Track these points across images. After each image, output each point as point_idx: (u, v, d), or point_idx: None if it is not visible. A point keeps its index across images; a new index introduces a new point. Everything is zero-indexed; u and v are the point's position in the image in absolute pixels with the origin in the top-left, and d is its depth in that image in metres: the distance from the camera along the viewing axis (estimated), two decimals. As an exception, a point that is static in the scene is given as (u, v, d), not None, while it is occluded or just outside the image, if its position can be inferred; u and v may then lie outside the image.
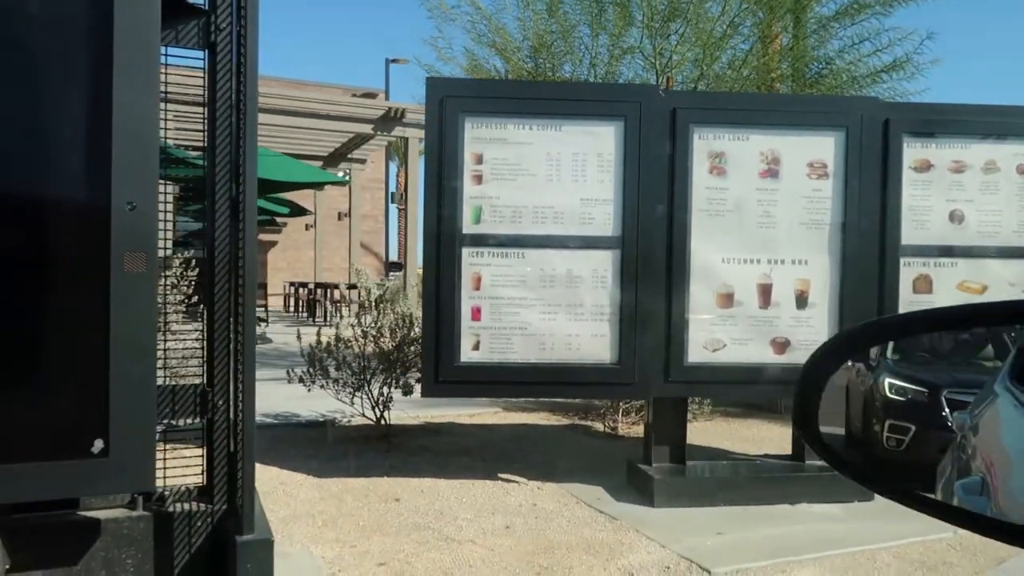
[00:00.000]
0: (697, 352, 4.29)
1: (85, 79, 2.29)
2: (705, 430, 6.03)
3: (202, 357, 3.07)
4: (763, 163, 4.34)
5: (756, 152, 4.34)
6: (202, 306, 3.20)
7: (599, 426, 6.21)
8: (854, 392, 0.84)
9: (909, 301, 4.36)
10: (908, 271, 4.39)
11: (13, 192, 2.26)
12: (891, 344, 0.82)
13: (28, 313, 2.30)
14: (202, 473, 3.06)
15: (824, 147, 4.34)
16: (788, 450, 4.80)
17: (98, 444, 2.34)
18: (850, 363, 0.85)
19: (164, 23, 2.57)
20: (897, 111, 4.60)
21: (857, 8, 7.15)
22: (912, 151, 4.37)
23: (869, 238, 4.34)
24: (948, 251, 4.43)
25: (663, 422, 4.46)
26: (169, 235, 3.73)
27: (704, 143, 4.31)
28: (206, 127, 3.01)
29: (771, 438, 5.84)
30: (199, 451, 3.09)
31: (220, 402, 2.98)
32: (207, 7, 2.85)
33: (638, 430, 5.82)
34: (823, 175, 4.34)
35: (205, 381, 3.01)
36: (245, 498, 2.83)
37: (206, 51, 2.95)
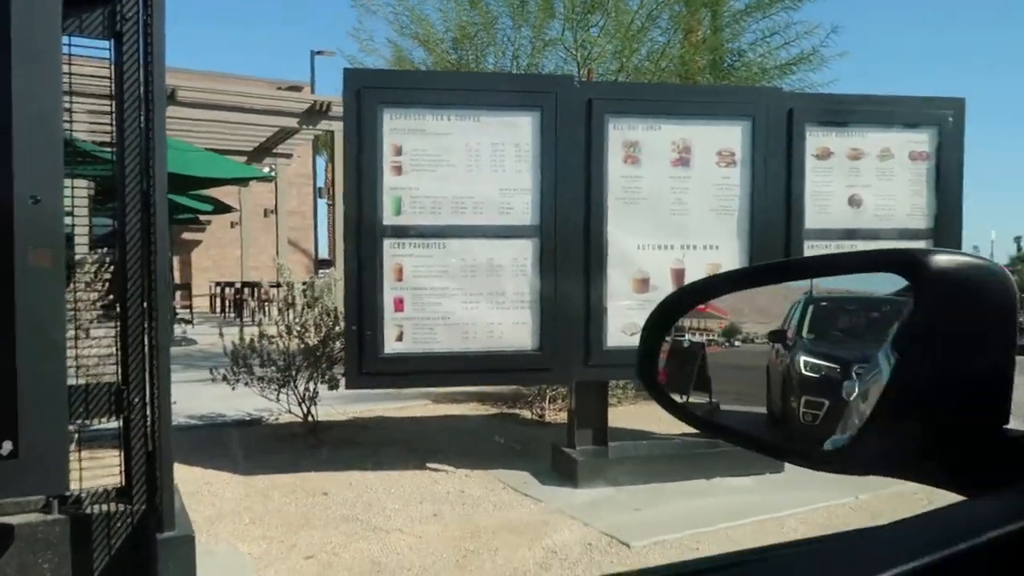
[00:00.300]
0: (616, 336, 4.43)
1: (-21, 71, 2.24)
2: (628, 413, 6.19)
3: (117, 356, 3.03)
4: (675, 152, 4.50)
5: (668, 141, 4.50)
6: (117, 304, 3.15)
7: (527, 414, 6.32)
8: (774, 372, 0.90)
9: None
10: (812, 253, 4.62)
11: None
12: (807, 324, 0.89)
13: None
14: (120, 473, 3.02)
15: (732, 136, 4.53)
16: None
17: (6, 446, 2.30)
18: (770, 344, 0.91)
19: (67, 11, 2.53)
20: (800, 101, 4.83)
21: (768, 2, 7.43)
22: (814, 139, 4.60)
23: (775, 222, 4.55)
24: (849, 234, 4.68)
25: (585, 406, 4.59)
26: (82, 232, 3.64)
27: (619, 133, 4.44)
28: (114, 120, 2.96)
29: (692, 418, 6.04)
30: (117, 452, 3.05)
31: (136, 400, 2.95)
32: (111, -3, 2.80)
33: (565, 416, 5.93)
34: (731, 163, 4.53)
35: (120, 379, 2.97)
36: (164, 496, 2.82)
37: (112, 41, 2.90)
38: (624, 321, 4.40)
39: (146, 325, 2.96)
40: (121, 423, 2.95)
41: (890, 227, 4.69)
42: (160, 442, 2.84)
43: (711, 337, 0.96)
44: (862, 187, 4.66)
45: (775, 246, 4.54)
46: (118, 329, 3.01)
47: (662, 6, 7.41)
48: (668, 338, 0.94)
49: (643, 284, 4.43)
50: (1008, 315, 0.66)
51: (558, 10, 7.54)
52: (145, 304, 2.96)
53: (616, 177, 4.42)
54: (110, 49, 2.92)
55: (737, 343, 0.94)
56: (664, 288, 4.45)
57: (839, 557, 0.57)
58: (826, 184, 4.62)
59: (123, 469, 2.97)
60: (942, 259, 0.66)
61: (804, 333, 0.86)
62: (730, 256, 4.50)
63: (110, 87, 2.95)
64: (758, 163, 4.50)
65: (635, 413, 6.29)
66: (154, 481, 2.88)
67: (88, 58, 2.93)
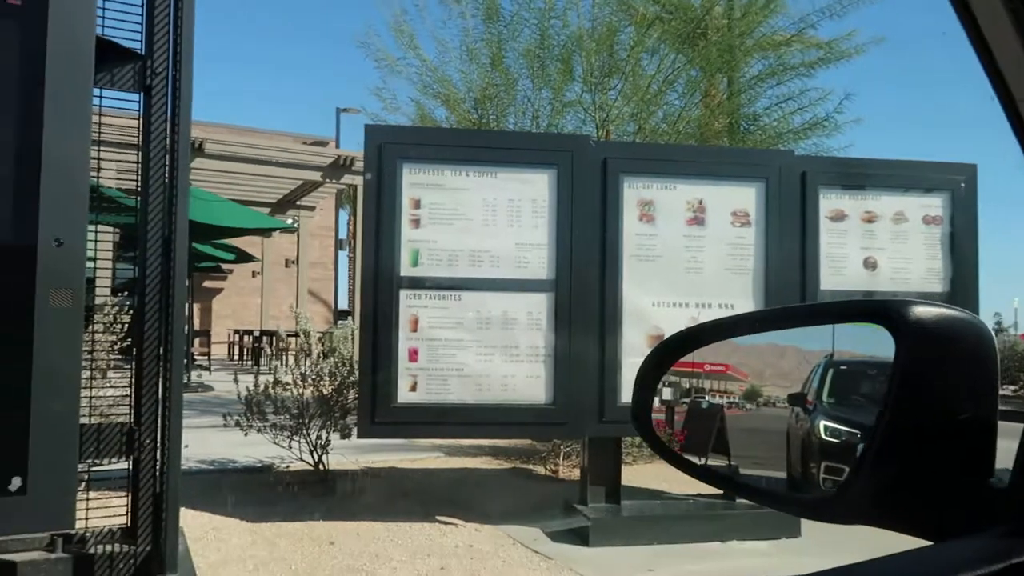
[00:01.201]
0: (630, 393, 4.39)
1: (14, 116, 2.34)
2: (644, 472, 6.11)
3: (131, 397, 3.07)
4: (690, 211, 4.55)
5: (683, 201, 4.55)
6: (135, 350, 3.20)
7: (540, 469, 6.25)
8: (793, 436, 0.89)
9: (829, 342, 4.57)
10: (827, 314, 4.60)
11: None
12: (827, 388, 0.89)
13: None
14: (126, 514, 3.03)
15: (746, 197, 4.57)
16: (721, 490, 4.91)
17: (15, 482, 2.32)
18: (790, 409, 0.90)
19: (100, 65, 2.64)
20: (813, 164, 4.88)
21: (782, 69, 7.57)
22: (827, 202, 4.63)
23: (790, 282, 4.55)
24: (866, 296, 4.66)
25: (598, 463, 4.55)
26: (105, 277, 3.72)
27: (634, 191, 4.51)
28: (139, 170, 3.06)
29: (706, 479, 5.94)
30: (123, 493, 3.06)
31: (147, 441, 2.97)
32: (144, 51, 2.92)
33: (579, 473, 5.87)
34: (746, 223, 4.56)
35: (132, 421, 3.00)
36: (169, 538, 2.82)
37: (141, 94, 3.02)
38: (637, 377, 4.37)
39: (160, 369, 3.01)
40: (131, 464, 2.97)
41: (906, 290, 4.67)
42: (168, 484, 2.85)
43: (730, 399, 0.96)
44: (876, 250, 4.66)
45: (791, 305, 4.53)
46: (133, 372, 3.06)
47: (678, 71, 7.57)
48: (660, 387, 0.95)
49: (658, 341, 4.41)
50: (988, 368, 0.66)
51: (577, 73, 7.72)
52: (161, 349, 3.01)
53: (631, 235, 4.47)
54: (139, 102, 3.04)
55: (757, 406, 0.94)
56: (677, 345, 4.44)
57: None
58: (840, 246, 4.63)
59: (129, 509, 2.98)
60: (920, 310, 0.67)
61: (824, 397, 0.85)
62: (744, 315, 4.49)
63: (138, 138, 3.06)
64: (772, 223, 4.54)
65: (649, 472, 6.19)
66: (160, 523, 2.89)
67: (119, 110, 3.05)
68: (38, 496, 2.34)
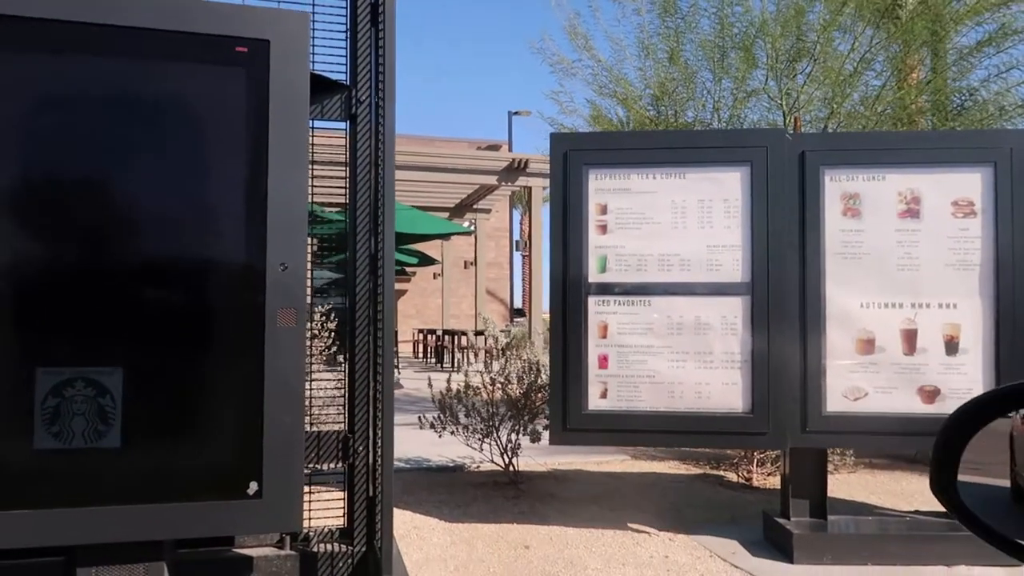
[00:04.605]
0: (836, 401, 4.10)
1: (245, 156, 2.53)
2: (847, 482, 5.70)
3: (343, 404, 3.26)
4: (902, 203, 4.16)
5: (894, 192, 4.17)
6: (341, 356, 3.40)
7: (732, 476, 6.00)
8: (1021, 443, 0.77)
9: (1077, 346, 4.00)
10: (1074, 314, 4.04)
11: (187, 257, 2.52)
12: None
13: (199, 365, 2.53)
14: (344, 516, 3.22)
15: (970, 184, 4.11)
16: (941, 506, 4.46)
17: (253, 486, 2.52)
18: (1014, 412, 0.79)
19: (312, 98, 2.81)
20: (1053, 142, 4.28)
21: (1003, 35, 6.75)
22: (1073, 184, 4.06)
23: (1027, 278, 4.04)
24: None
25: (801, 474, 4.28)
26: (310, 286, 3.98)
27: (836, 185, 4.19)
28: (347, 188, 3.23)
29: (920, 492, 5.44)
30: (340, 496, 3.26)
31: (360, 448, 3.14)
32: (349, 83, 3.09)
33: (774, 481, 5.58)
34: (970, 213, 4.10)
35: (346, 428, 3.19)
36: (384, 540, 2.95)
37: (347, 122, 3.19)
38: (846, 384, 4.07)
39: (370, 376, 3.16)
40: (346, 469, 3.15)
41: None
42: (382, 489, 3.00)
43: None
44: None
45: (1027, 305, 4.03)
46: (346, 379, 3.24)
47: (876, 48, 6.97)
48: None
49: (868, 345, 4.09)
50: None
51: (760, 60, 7.34)
52: (371, 357, 3.17)
53: (834, 231, 4.16)
54: (346, 129, 3.22)
55: None
56: (892, 350, 4.08)
57: None
58: (1091, 234, 4.04)
59: (346, 512, 3.16)
60: None
61: None
62: (972, 316, 4.05)
63: (345, 159, 3.25)
64: (1003, 212, 4.04)
65: (853, 483, 5.77)
66: (374, 525, 3.04)
67: (321, 130, 3.24)
68: (271, 499, 2.53)
